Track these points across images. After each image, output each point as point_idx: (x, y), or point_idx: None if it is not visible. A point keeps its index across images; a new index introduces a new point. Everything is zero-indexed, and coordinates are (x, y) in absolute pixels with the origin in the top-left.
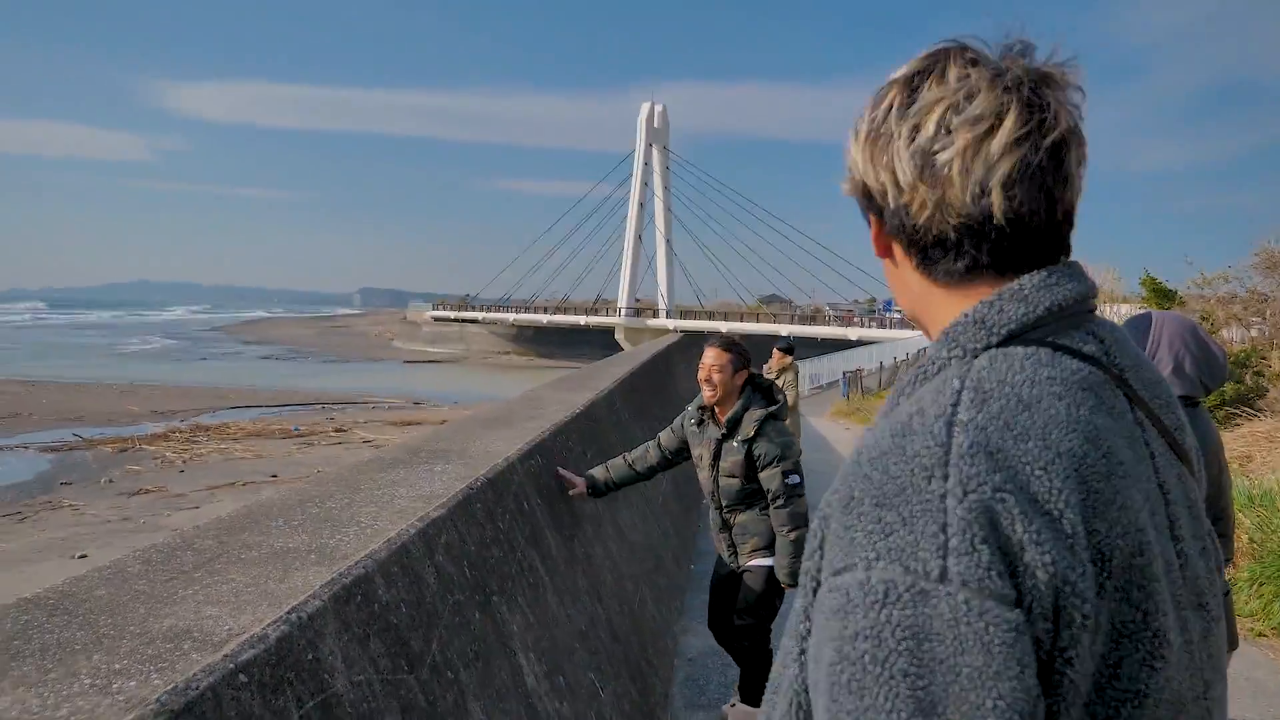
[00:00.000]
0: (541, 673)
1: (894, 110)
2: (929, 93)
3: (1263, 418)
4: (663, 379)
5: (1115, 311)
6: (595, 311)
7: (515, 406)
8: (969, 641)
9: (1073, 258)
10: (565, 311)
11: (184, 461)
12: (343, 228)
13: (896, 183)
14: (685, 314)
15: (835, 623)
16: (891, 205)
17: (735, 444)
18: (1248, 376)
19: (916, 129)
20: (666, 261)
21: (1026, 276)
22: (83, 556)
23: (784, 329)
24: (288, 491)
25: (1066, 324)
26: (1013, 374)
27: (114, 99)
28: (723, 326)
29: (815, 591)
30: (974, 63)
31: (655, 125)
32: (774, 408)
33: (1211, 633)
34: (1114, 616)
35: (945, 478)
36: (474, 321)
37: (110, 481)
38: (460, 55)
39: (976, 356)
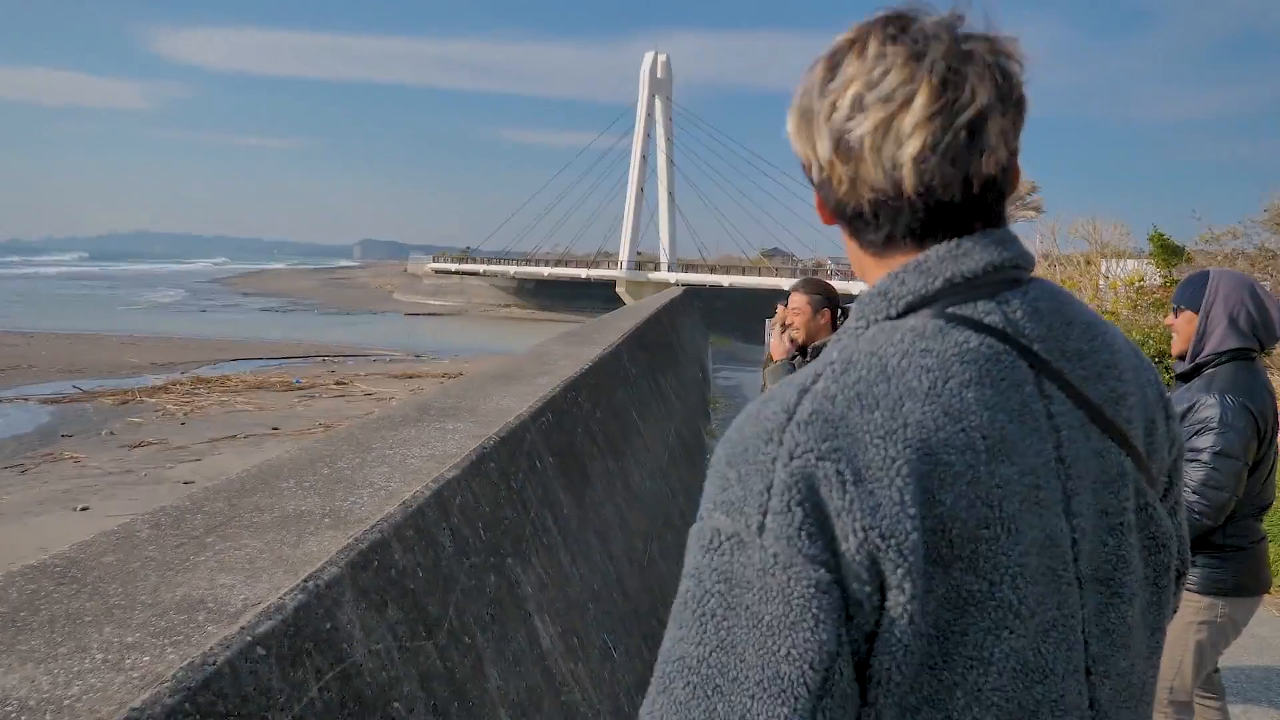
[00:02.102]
0: (556, 634)
1: (817, 87)
2: (847, 69)
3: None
4: (667, 334)
5: (1122, 268)
6: (597, 265)
7: (524, 362)
8: (773, 591)
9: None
10: (567, 264)
11: (185, 414)
12: (342, 178)
13: (818, 158)
14: (687, 267)
15: (685, 564)
16: (816, 179)
17: None
18: None
19: (834, 106)
20: (669, 214)
21: (934, 248)
22: (84, 509)
23: (786, 283)
24: (297, 451)
25: (976, 293)
26: (888, 345)
27: (108, 45)
28: (724, 280)
29: None
30: (893, 39)
31: (659, 76)
32: None
33: (1114, 608)
34: (960, 585)
35: (780, 443)
36: (475, 274)
37: (111, 434)
38: (460, 0)
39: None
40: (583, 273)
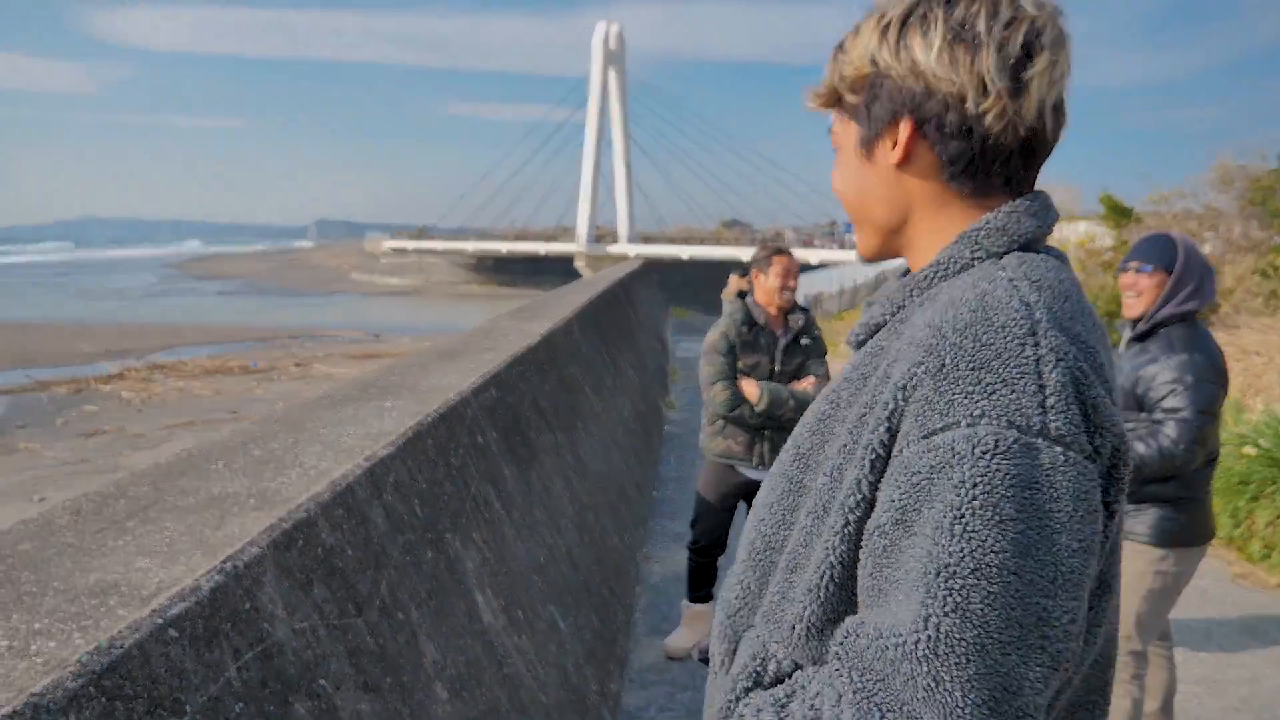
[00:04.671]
0: (499, 608)
1: (983, 17)
2: (1008, 9)
3: (1215, 331)
4: (624, 307)
5: (1075, 230)
6: (555, 239)
7: (470, 338)
8: (1061, 489)
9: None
10: (525, 240)
11: (141, 401)
12: (295, 158)
13: (983, 89)
14: (646, 240)
15: (939, 478)
16: (971, 110)
17: (803, 341)
18: None
19: (1007, 41)
20: (626, 187)
21: (1031, 198)
22: (42, 500)
23: (745, 253)
24: (231, 433)
25: (1045, 240)
26: (1046, 271)
27: (44, 25)
28: (684, 252)
29: (875, 463)
30: None
31: (611, 47)
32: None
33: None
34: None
35: (1037, 345)
36: (432, 252)
37: (66, 423)
38: None
39: (999, 257)
40: (541, 248)
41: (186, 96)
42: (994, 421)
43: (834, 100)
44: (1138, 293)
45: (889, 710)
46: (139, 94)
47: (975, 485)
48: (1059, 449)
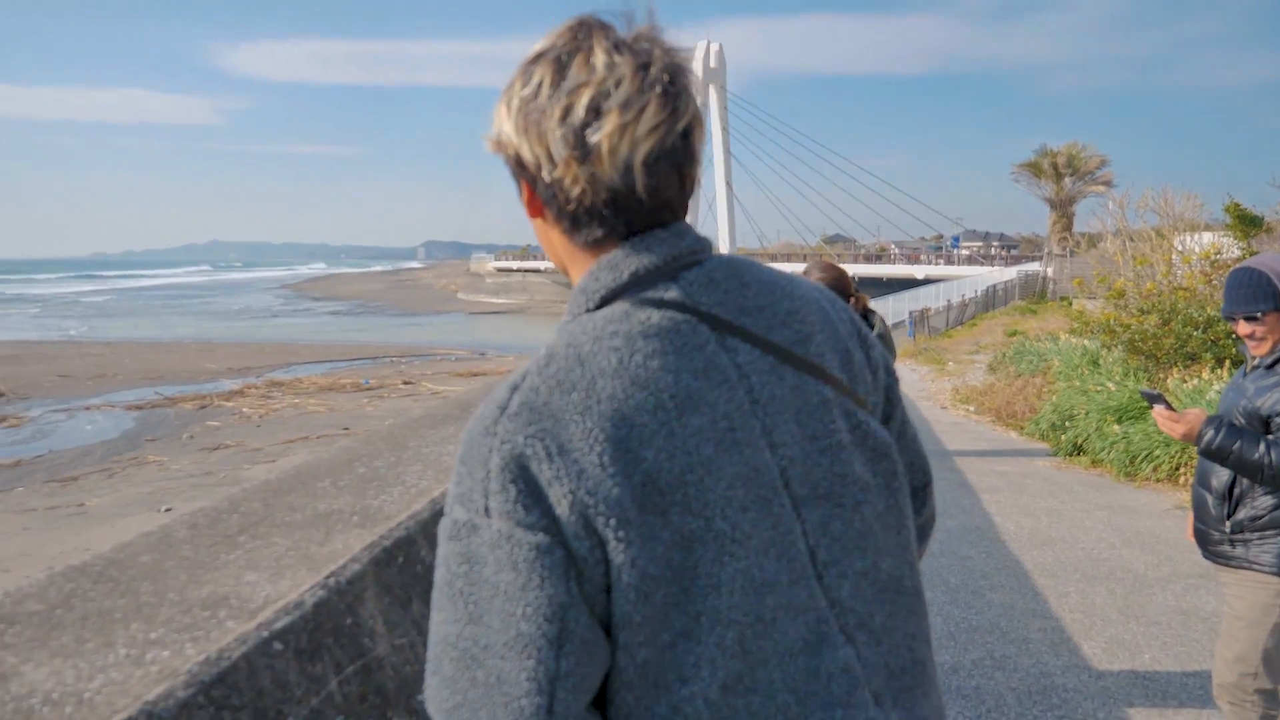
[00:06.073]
0: None
1: (545, 88)
2: (578, 73)
3: None
4: None
5: (1199, 241)
6: None
7: None
8: (503, 562)
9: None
10: None
11: (260, 417)
12: (404, 181)
13: (550, 158)
14: (748, 256)
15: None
16: (546, 178)
17: None
18: None
19: (569, 109)
20: (727, 203)
21: (620, 246)
22: (168, 510)
23: (849, 269)
24: (338, 450)
25: (658, 278)
26: (582, 335)
27: (171, 62)
28: (785, 268)
29: None
30: (618, 47)
31: (712, 65)
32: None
33: (839, 518)
34: (680, 527)
35: (494, 434)
36: (536, 271)
37: (191, 437)
38: (504, 1)
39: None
40: None
41: (305, 125)
42: (457, 506)
43: None
44: (1259, 338)
45: None
46: (260, 124)
47: (440, 565)
48: (497, 526)
